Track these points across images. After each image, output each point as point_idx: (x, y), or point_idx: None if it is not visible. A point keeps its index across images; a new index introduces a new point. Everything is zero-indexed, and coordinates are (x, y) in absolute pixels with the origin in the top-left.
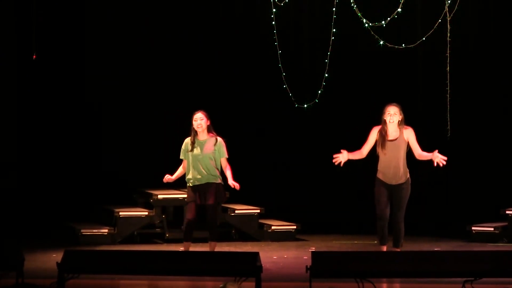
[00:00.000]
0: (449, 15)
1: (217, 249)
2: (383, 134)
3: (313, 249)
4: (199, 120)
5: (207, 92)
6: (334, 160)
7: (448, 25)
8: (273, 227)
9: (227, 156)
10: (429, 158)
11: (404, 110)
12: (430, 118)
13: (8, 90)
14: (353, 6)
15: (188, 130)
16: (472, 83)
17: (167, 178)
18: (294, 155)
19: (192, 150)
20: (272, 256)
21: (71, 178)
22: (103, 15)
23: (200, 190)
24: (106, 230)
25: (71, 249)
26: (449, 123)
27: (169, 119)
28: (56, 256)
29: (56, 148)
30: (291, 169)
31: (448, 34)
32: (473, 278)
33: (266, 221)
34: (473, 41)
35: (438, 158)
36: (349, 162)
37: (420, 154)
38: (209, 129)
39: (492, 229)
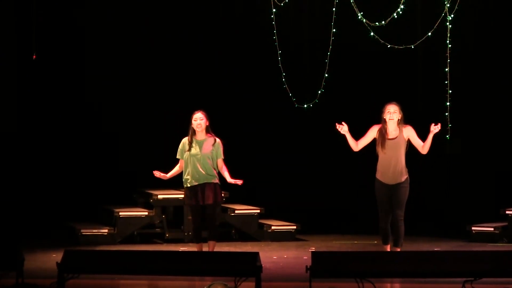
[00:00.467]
0: (449, 15)
1: (217, 249)
2: (383, 133)
3: (313, 249)
4: (199, 120)
5: (207, 92)
6: (337, 126)
7: (448, 25)
8: (273, 227)
9: (223, 157)
10: (431, 139)
11: (404, 110)
12: (430, 118)
13: (8, 90)
14: (353, 6)
15: (188, 130)
16: (472, 83)
17: (161, 174)
18: (294, 155)
19: (190, 149)
20: (272, 256)
21: (71, 178)
22: (103, 15)
23: (198, 190)
24: (106, 230)
25: (71, 249)
26: (449, 123)
27: (169, 119)
28: (56, 256)
29: (56, 148)
30: (291, 169)
31: (448, 34)
32: (473, 278)
33: (266, 221)
34: (473, 41)
35: (437, 129)
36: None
37: (423, 146)
38: (208, 130)
39: (492, 229)
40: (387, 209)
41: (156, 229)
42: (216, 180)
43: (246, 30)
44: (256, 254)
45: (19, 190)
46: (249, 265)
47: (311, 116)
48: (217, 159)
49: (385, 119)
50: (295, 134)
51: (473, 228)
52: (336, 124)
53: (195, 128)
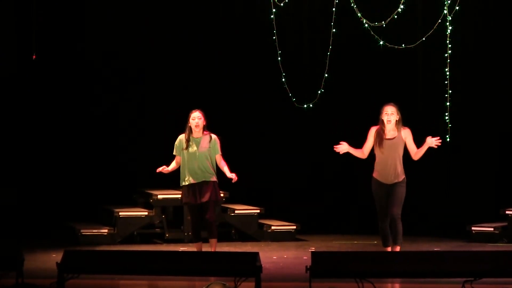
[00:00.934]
0: (449, 15)
1: (217, 249)
2: (380, 134)
3: (313, 249)
4: (197, 119)
5: (207, 92)
6: (335, 148)
7: (448, 25)
8: (273, 227)
9: (220, 153)
10: (425, 149)
11: (404, 110)
12: (430, 118)
13: (8, 90)
14: (353, 6)
15: (185, 128)
16: (472, 83)
17: (164, 169)
18: (294, 155)
19: (187, 148)
20: (272, 256)
21: (71, 178)
22: (103, 15)
23: (196, 188)
24: (106, 230)
25: (71, 249)
26: (449, 123)
27: (169, 119)
28: (56, 256)
29: (56, 148)
30: (291, 169)
31: (448, 34)
32: (473, 278)
33: (266, 221)
34: (473, 41)
35: (433, 142)
36: (349, 161)
37: (416, 152)
38: (204, 128)
39: (492, 229)
40: (385, 208)
41: (156, 229)
42: (214, 178)
43: (246, 30)
44: (256, 254)
45: (19, 190)
46: (249, 265)
47: (311, 116)
48: (214, 155)
49: (383, 120)
50: (295, 134)
51: (473, 228)
52: (334, 147)
53: (193, 127)
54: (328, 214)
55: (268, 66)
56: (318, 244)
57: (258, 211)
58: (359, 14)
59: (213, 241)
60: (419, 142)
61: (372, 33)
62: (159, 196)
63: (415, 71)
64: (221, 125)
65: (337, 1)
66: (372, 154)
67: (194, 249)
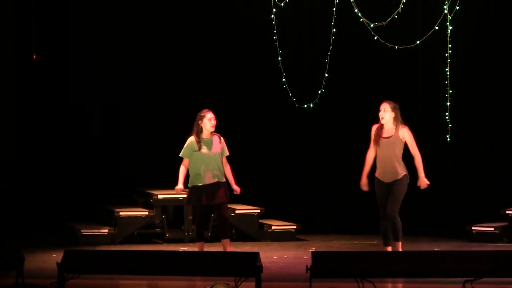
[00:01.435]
0: (449, 15)
1: (217, 249)
2: (379, 132)
3: (313, 249)
4: (213, 120)
5: (207, 92)
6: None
7: (448, 25)
8: (273, 227)
9: (228, 154)
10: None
11: (404, 110)
12: (430, 119)
13: (8, 90)
14: (353, 6)
15: (189, 129)
16: (472, 83)
17: (181, 189)
18: (294, 155)
19: (199, 149)
20: (272, 256)
21: (71, 178)
22: (103, 15)
23: (209, 189)
24: (106, 230)
25: (71, 249)
26: (449, 123)
27: (169, 119)
28: (56, 256)
29: (56, 148)
30: (291, 169)
31: (448, 34)
32: (473, 278)
33: (266, 221)
34: (473, 41)
35: (423, 184)
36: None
37: (416, 162)
38: None
39: (492, 229)
40: (385, 207)
41: (156, 229)
42: (224, 179)
43: (246, 30)
44: (256, 254)
45: (19, 190)
46: (249, 265)
47: (311, 116)
48: (223, 156)
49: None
50: (295, 134)
51: (473, 228)
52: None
53: (208, 128)
54: (328, 214)
55: (268, 66)
56: (318, 244)
57: (258, 211)
58: (359, 14)
59: (226, 241)
60: (419, 142)
61: (372, 33)
62: (159, 196)
63: (415, 71)
64: (221, 125)
65: (337, 1)
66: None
67: (196, 249)
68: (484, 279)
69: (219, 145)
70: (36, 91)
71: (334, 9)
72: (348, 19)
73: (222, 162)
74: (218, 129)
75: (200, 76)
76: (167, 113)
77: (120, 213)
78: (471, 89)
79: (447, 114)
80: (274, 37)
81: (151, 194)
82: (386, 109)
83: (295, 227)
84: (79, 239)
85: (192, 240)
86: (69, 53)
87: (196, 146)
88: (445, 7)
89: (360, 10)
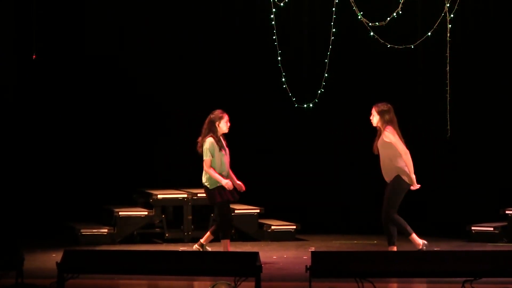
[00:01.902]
0: (449, 15)
1: (217, 249)
2: (377, 135)
3: (313, 249)
4: (229, 122)
5: (207, 92)
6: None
7: (448, 25)
8: (273, 227)
9: None
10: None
11: (404, 110)
12: (430, 118)
13: (8, 90)
14: (353, 6)
15: (197, 129)
16: (472, 82)
17: (230, 184)
18: (294, 155)
19: (220, 149)
20: (272, 256)
21: (71, 178)
22: (103, 15)
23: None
24: (106, 230)
25: (71, 249)
26: (449, 123)
27: (169, 119)
28: (56, 256)
29: (56, 148)
30: (291, 169)
31: (448, 34)
32: (473, 278)
33: (266, 221)
34: (473, 40)
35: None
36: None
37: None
38: None
39: (492, 229)
40: None
41: (156, 229)
42: None
43: (246, 30)
44: (256, 254)
45: (19, 190)
46: (249, 265)
47: (311, 116)
48: None
49: None
50: (295, 134)
51: (473, 228)
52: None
53: (224, 129)
54: (328, 214)
55: (268, 66)
56: (318, 244)
57: (258, 211)
58: (359, 14)
59: (227, 241)
60: (419, 142)
61: (372, 33)
62: (159, 196)
63: (415, 71)
64: None
65: (337, 1)
66: (374, 153)
67: (224, 248)
68: (484, 279)
69: (227, 147)
70: (36, 91)
71: (334, 9)
72: (348, 19)
73: None
74: None
75: (200, 76)
76: (167, 113)
77: (120, 213)
78: (471, 89)
79: (446, 113)
80: (274, 37)
81: (151, 194)
82: (373, 113)
83: (294, 227)
84: (78, 239)
85: (192, 240)
86: (69, 53)
87: (217, 146)
88: (445, 7)
89: (360, 10)
